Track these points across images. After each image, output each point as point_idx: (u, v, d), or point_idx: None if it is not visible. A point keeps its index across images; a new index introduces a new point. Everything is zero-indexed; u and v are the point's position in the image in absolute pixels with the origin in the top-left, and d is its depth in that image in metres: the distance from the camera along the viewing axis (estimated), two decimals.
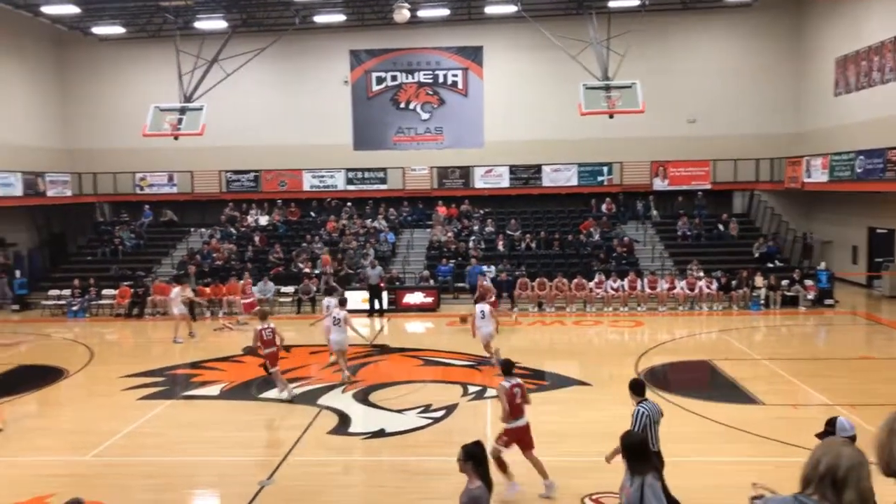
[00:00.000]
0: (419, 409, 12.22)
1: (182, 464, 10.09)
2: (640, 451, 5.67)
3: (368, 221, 27.34)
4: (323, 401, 12.91)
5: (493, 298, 18.22)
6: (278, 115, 29.26)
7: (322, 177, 28.80)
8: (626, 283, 22.42)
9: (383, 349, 17.50)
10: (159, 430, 11.58)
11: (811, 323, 20.40)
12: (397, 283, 23.47)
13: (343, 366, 14.32)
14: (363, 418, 12.13)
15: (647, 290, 22.31)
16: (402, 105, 29.44)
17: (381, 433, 11.21)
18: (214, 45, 23.75)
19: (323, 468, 9.84)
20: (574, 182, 28.00)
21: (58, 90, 30.05)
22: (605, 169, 27.95)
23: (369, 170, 28.67)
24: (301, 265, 24.41)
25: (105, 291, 23.37)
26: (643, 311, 21.82)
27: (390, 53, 29.33)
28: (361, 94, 29.49)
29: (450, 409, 12.31)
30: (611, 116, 21.95)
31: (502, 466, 8.58)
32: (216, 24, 26.21)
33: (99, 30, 28.19)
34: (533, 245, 25.50)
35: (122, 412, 12.55)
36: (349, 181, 28.70)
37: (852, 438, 5.16)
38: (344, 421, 11.83)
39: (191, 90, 22.72)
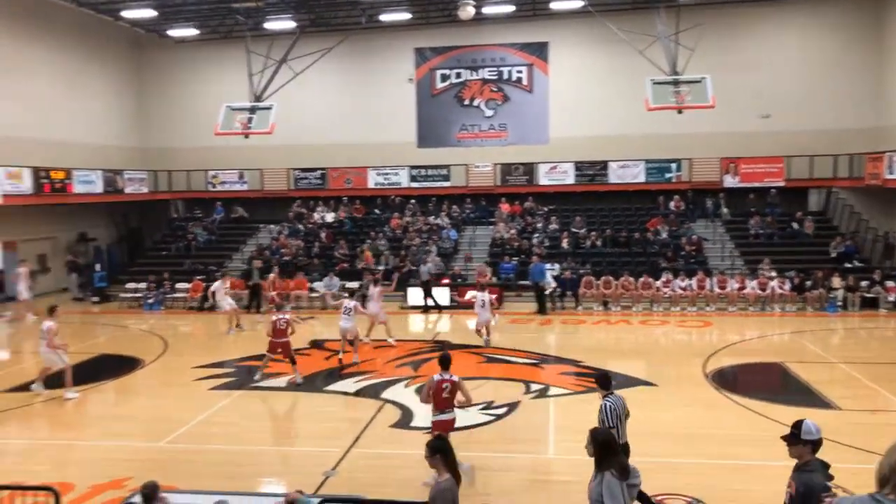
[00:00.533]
0: (481, 406, 12.21)
1: (250, 452, 10.36)
2: (606, 447, 5.72)
3: (431, 218, 27.48)
4: (386, 395, 13.05)
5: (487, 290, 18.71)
6: (344, 113, 29.69)
7: (386, 174, 29.10)
8: (694, 282, 21.90)
9: (444, 345, 17.56)
10: (229, 420, 11.92)
11: (893, 326, 19.50)
12: (459, 281, 23.51)
13: (355, 349, 15.55)
14: (425, 413, 12.17)
15: (717, 290, 21.73)
16: (466, 102, 29.47)
17: None
18: (283, 46, 24.26)
19: (385, 461, 9.96)
20: (641, 179, 27.49)
21: (136, 91, 31.25)
22: (674, 166, 27.33)
23: (433, 167, 28.81)
24: (363, 261, 24.73)
25: (179, 285, 24.19)
26: (712, 311, 21.29)
27: (455, 51, 29.39)
28: (425, 92, 29.65)
29: (512, 406, 12.28)
30: (679, 112, 21.47)
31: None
32: (285, 24, 26.78)
33: (174, 32, 29.16)
34: (598, 243, 25.16)
35: (194, 401, 12.98)
36: (413, 178, 28.91)
37: (818, 442, 5.01)
38: (407, 415, 11.93)
39: (261, 90, 23.27)
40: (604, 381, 8.10)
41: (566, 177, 27.98)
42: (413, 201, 28.42)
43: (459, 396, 9.30)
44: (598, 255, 24.48)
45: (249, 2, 24.91)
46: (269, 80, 23.48)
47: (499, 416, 11.77)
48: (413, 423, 11.58)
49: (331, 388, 13.80)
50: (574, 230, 25.91)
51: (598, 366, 14.76)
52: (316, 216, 28.63)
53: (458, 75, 29.49)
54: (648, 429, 10.76)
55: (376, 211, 28.77)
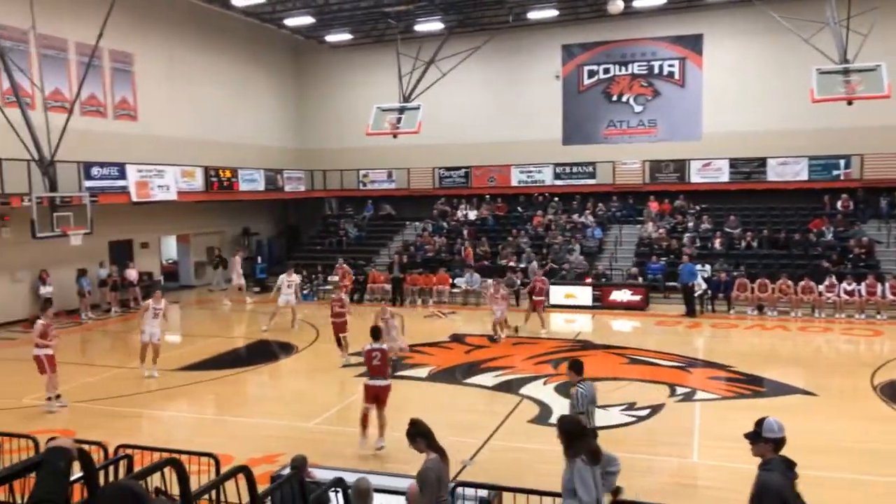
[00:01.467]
0: (623, 407, 11.91)
1: (389, 437, 10.67)
2: (574, 433, 5.71)
3: (575, 216, 27.09)
4: (525, 391, 13.02)
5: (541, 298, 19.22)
6: (489, 111, 29.93)
7: (530, 172, 29.01)
8: (863, 287, 20.11)
9: (586, 345, 17.27)
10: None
11: None
12: (603, 280, 23.01)
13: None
14: (564, 410, 12.03)
15: (890, 297, 19.85)
16: (615, 98, 28.79)
17: None
18: (431, 47, 24.83)
19: (523, 454, 9.93)
20: (804, 176, 25.59)
21: (295, 95, 33.16)
22: (842, 162, 25.21)
23: (578, 164, 28.38)
24: (506, 259, 24.80)
25: (331, 278, 25.38)
26: (883, 319, 19.48)
27: (603, 46, 28.79)
28: (572, 89, 29.27)
29: (655, 408, 11.86)
30: (849, 103, 19.72)
31: (364, 423, 10.11)
32: (434, 26, 27.40)
33: (330, 38, 30.65)
34: (754, 244, 23.73)
35: (340, 387, 13.61)
36: (557, 176, 28.62)
37: (779, 440, 4.87)
38: (545, 411, 11.84)
39: (409, 90, 23.95)
40: (576, 367, 8.40)
41: (720, 174, 26.59)
42: (557, 199, 28.14)
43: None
44: (754, 257, 23.08)
45: (401, 5, 25.74)
46: (418, 80, 24.10)
47: (641, 418, 11.41)
48: (552, 420, 11.46)
49: (470, 381, 13.96)
50: (728, 230, 24.59)
51: (752, 372, 13.98)
52: (459, 214, 29.06)
53: (607, 71, 28.87)
54: (804, 441, 10.01)
55: (519, 209, 28.76)
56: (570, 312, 21.64)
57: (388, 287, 24.04)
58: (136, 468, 5.99)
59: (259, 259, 28.16)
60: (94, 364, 15.94)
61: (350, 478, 6.66)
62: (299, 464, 6.26)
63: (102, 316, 21.97)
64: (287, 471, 6.54)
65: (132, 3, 21.94)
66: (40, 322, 12.75)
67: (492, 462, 9.54)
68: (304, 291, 24.94)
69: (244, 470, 4.20)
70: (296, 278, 20.51)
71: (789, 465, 4.74)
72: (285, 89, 32.68)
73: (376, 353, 10.28)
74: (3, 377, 15.23)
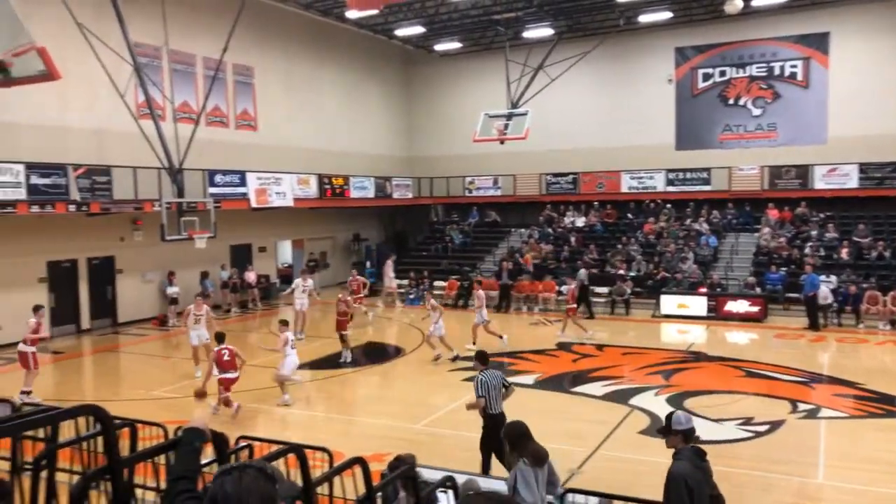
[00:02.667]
0: (739, 421, 11.39)
1: None
2: (516, 437, 6.04)
3: (689, 223, 26.18)
4: (634, 401, 12.68)
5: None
6: (598, 117, 29.46)
7: (641, 178, 28.29)
8: None
9: (699, 356, 16.65)
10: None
11: None
12: (718, 290, 22.10)
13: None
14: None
15: None
16: (731, 101, 27.67)
17: (695, 440, 10.67)
18: (540, 53, 24.73)
19: (633, 465, 9.67)
20: None
21: (404, 104, 33.84)
22: None
23: (692, 170, 27.42)
24: (616, 267, 24.29)
25: (436, 283, 25.69)
26: None
27: (719, 48, 27.75)
28: (686, 93, 28.37)
29: (775, 424, 11.26)
30: None
31: (228, 403, 12.06)
32: (543, 32, 27.28)
33: (440, 46, 31.09)
34: (886, 254, 22.15)
35: (447, 390, 13.71)
36: (669, 182, 27.77)
37: (688, 432, 5.21)
38: (656, 423, 11.46)
39: (517, 97, 23.95)
40: (481, 358, 9.42)
41: (848, 180, 25.00)
42: (669, 206, 27.31)
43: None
44: (886, 268, 21.54)
45: (510, 12, 25.81)
46: (526, 86, 24.07)
47: (759, 434, 10.87)
48: None
49: (577, 389, 13.74)
50: (856, 239, 23.07)
51: (885, 391, 13.03)
52: (566, 220, 28.72)
53: (723, 73, 27.81)
54: None
55: (629, 216, 28.11)
56: (682, 323, 20.94)
57: (494, 293, 24.02)
58: (256, 457, 6.25)
59: (368, 264, 28.88)
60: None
61: (458, 479, 6.69)
62: (409, 462, 6.33)
63: (223, 316, 23.11)
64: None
65: (254, 19, 23.07)
66: (33, 321, 13.48)
67: (601, 471, 9.34)
68: (411, 296, 25.37)
69: (360, 462, 4.30)
70: (310, 283, 20.04)
71: (700, 454, 5.10)
72: (395, 98, 33.41)
73: (225, 350, 12.28)
74: (136, 370, 16.30)
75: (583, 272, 22.97)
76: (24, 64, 8.57)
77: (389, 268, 25.69)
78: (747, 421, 11.39)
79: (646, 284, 23.45)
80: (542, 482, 5.87)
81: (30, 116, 18.02)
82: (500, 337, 17.56)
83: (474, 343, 17.17)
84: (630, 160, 28.47)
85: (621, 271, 23.83)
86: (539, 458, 5.84)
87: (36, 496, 2.71)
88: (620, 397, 12.99)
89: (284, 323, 13.80)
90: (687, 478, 4.86)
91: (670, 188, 27.73)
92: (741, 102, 27.52)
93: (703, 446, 10.35)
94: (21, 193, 16.67)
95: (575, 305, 19.37)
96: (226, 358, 12.28)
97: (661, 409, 12.17)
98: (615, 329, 20.44)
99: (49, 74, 8.61)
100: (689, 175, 27.43)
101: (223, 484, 1.89)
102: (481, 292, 18.60)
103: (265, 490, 1.87)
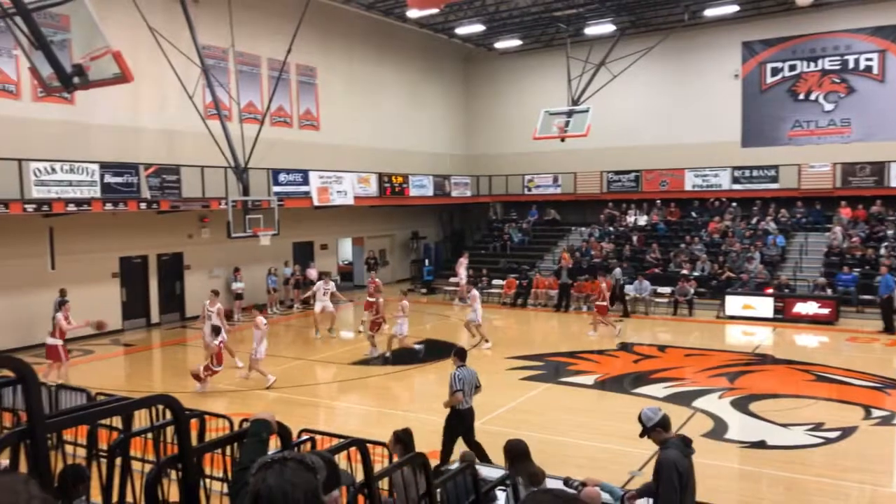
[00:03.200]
0: (808, 427, 11.02)
1: (557, 443, 10.60)
2: (514, 455, 6.44)
3: (755, 222, 25.45)
4: (698, 404, 12.41)
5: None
6: (661, 113, 28.90)
7: (705, 176, 27.62)
8: None
9: (766, 359, 16.18)
10: (537, 410, 12.33)
11: None
12: (786, 291, 21.42)
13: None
14: (741, 427, 11.36)
15: None
16: (801, 96, 26.75)
17: (761, 444, 10.39)
18: (602, 49, 24.41)
19: (695, 468, 9.44)
20: None
21: (463, 102, 33.88)
22: None
23: (759, 168, 26.63)
24: (679, 266, 23.80)
25: (495, 281, 25.65)
26: None
27: (789, 41, 26.87)
28: (753, 88, 27.56)
29: (847, 430, 10.86)
30: None
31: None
32: (605, 28, 26.91)
33: (500, 44, 31.00)
34: None
35: (505, 389, 13.67)
36: (735, 180, 27.03)
37: (662, 421, 5.35)
38: (720, 426, 11.22)
39: (578, 94, 23.68)
40: (459, 354, 9.66)
41: None
42: (734, 204, 26.60)
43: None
44: None
45: (572, 9, 25.54)
46: (587, 83, 23.78)
47: (830, 440, 10.50)
48: (727, 436, 10.86)
49: (638, 390, 13.52)
50: None
51: None
52: (628, 219, 28.28)
53: (792, 68, 26.91)
54: None
55: (693, 214, 27.49)
56: (748, 324, 20.38)
57: (553, 292, 23.87)
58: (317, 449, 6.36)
59: (426, 262, 29.04)
60: (278, 355, 17.14)
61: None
62: (469, 459, 6.36)
63: (286, 312, 23.59)
64: (455, 465, 6.67)
65: (317, 20, 23.43)
66: (60, 315, 13.87)
67: None
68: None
69: (421, 457, 4.33)
70: (332, 286, 19.81)
71: (686, 441, 5.33)
72: (454, 97, 33.48)
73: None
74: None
75: (618, 271, 22.80)
76: (100, 67, 8.96)
77: (462, 266, 25.45)
78: (817, 426, 11.02)
79: (710, 285, 22.92)
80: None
81: (104, 118, 18.75)
82: (486, 341, 17.60)
83: (486, 340, 17.53)
84: (694, 158, 27.84)
85: (684, 271, 23.34)
86: (536, 480, 6.05)
87: (111, 482, 2.82)
88: (683, 399, 12.73)
89: (260, 308, 15.07)
90: (677, 464, 5.11)
91: (736, 186, 26.99)
92: (812, 97, 26.58)
93: (770, 451, 10.14)
94: (96, 192, 17.36)
95: (606, 303, 19.26)
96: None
97: (726, 412, 11.90)
98: (678, 330, 20.06)
99: (123, 77, 8.99)
100: (755, 173, 26.64)
101: (265, 477, 1.86)
102: (475, 292, 18.80)
103: (308, 482, 1.86)
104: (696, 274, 23.26)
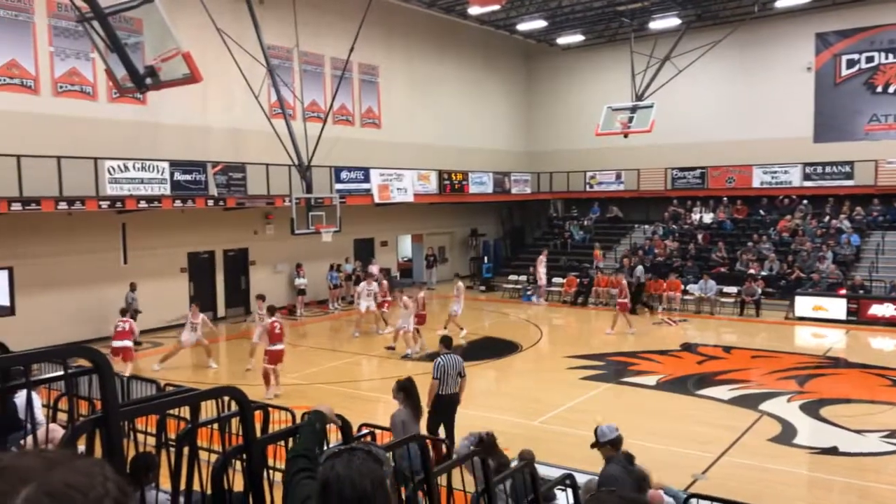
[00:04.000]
0: (884, 434, 10.57)
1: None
2: (405, 390, 7.82)
3: (827, 220, 24.53)
4: (765, 407, 12.05)
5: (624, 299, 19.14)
6: (727, 108, 28.11)
7: (774, 172, 26.74)
8: None
9: (838, 362, 15.59)
10: (598, 409, 12.15)
11: None
12: (861, 292, 20.58)
13: None
14: (811, 432, 10.97)
15: None
16: (879, 89, 25.61)
17: (833, 451, 10.01)
18: (666, 44, 23.91)
19: (762, 474, 9.19)
20: None
21: (524, 99, 33.67)
22: None
23: (832, 164, 25.64)
24: (745, 266, 23.14)
25: (555, 279, 25.42)
26: None
27: (866, 32, 25.75)
28: (827, 81, 26.54)
29: None
30: None
31: (267, 380, 12.98)
32: (670, 22, 26.34)
33: (562, 40, 30.67)
34: None
35: (565, 388, 13.55)
36: (806, 177, 26.09)
37: (615, 440, 5.99)
38: (788, 431, 10.86)
39: (642, 89, 23.27)
40: (446, 342, 10.17)
41: None
42: (805, 202, 25.69)
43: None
44: None
45: (636, 3, 25.09)
46: (651, 78, 23.35)
47: None
48: (796, 441, 10.50)
49: (702, 392, 13.21)
50: None
51: None
52: (693, 217, 27.63)
53: (870, 59, 25.79)
54: None
55: (761, 212, 26.67)
56: (818, 326, 19.68)
57: (614, 291, 23.49)
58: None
59: (485, 259, 28.99)
60: (339, 350, 17.42)
61: (581, 478, 6.60)
62: (528, 458, 6.32)
63: (347, 307, 23.91)
64: (514, 463, 6.63)
65: (379, 19, 23.65)
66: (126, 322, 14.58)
67: (727, 478, 8.94)
68: (528, 292, 25.24)
69: (479, 454, 4.33)
70: (375, 287, 19.59)
71: (629, 459, 5.86)
72: (515, 93, 33.31)
73: (277, 323, 13.29)
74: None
75: (640, 269, 22.62)
76: (170, 68, 9.24)
77: (542, 264, 24.93)
78: (893, 433, 10.56)
79: (778, 285, 22.22)
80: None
81: (174, 117, 19.35)
82: (461, 329, 18.24)
83: (461, 328, 18.18)
84: (762, 153, 26.98)
85: (752, 270, 22.68)
86: (420, 413, 7.59)
87: (179, 470, 2.90)
88: (749, 402, 12.39)
89: (261, 298, 16.16)
90: (617, 479, 5.60)
91: (807, 183, 26.05)
92: (891, 90, 25.42)
93: (842, 458, 9.82)
94: (166, 189, 17.94)
95: (627, 300, 19.35)
96: (277, 330, 13.20)
97: (795, 416, 11.53)
98: (744, 331, 19.51)
99: (192, 77, 9.25)
100: (828, 169, 25.65)
101: (334, 466, 1.90)
102: (461, 284, 18.95)
103: (375, 472, 1.89)
104: (763, 273, 22.58)
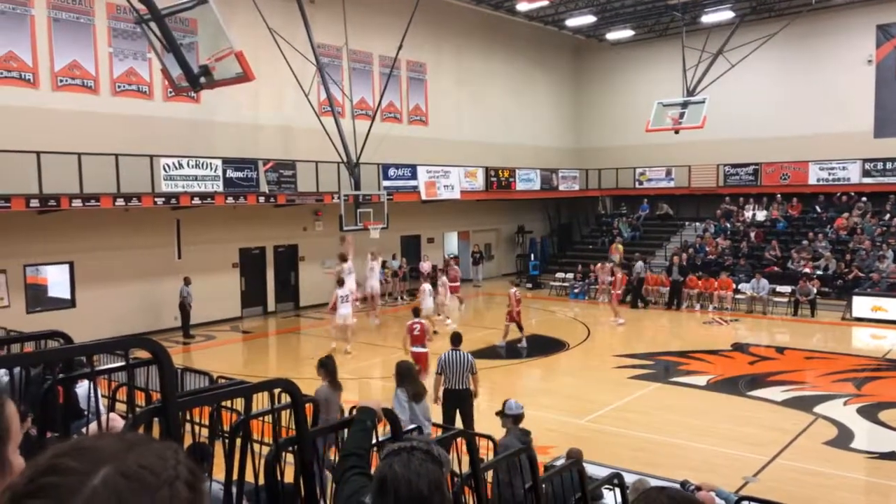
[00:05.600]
0: None
1: (666, 444, 10.31)
2: (403, 374, 8.19)
3: (888, 218, 23.71)
4: (820, 409, 11.74)
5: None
6: (782, 103, 27.37)
7: (832, 169, 25.95)
8: None
9: None
10: (646, 409, 12.02)
11: None
12: None
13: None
14: (869, 436, 10.65)
15: None
16: None
17: (892, 456, 9.71)
18: (719, 38, 23.40)
19: (817, 478, 8.96)
20: None
21: (572, 95, 33.36)
22: None
23: (893, 159, 24.76)
24: (799, 265, 22.54)
25: (602, 278, 25.11)
26: None
27: None
28: (888, 74, 25.62)
29: None
30: None
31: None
32: (723, 15, 25.78)
33: (611, 35, 30.31)
34: None
35: (613, 387, 13.42)
36: (866, 173, 25.23)
37: (517, 416, 6.89)
38: (845, 435, 10.56)
39: (693, 84, 22.82)
40: (453, 338, 10.19)
41: None
42: (865, 199, 24.87)
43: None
44: None
45: None
46: (703, 73, 22.87)
47: None
48: (853, 445, 10.20)
49: (754, 393, 12.93)
50: None
51: None
52: (746, 214, 27.02)
53: None
54: None
55: (817, 209, 25.93)
56: (877, 327, 19.06)
57: (664, 290, 23.16)
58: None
59: (532, 257, 28.85)
60: (384, 345, 17.55)
61: (628, 478, 6.54)
62: (576, 456, 6.30)
63: (392, 303, 24.08)
64: (561, 462, 6.61)
65: (427, 16, 23.68)
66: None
67: (780, 482, 8.74)
68: (576, 290, 25.04)
69: (527, 451, 4.33)
70: (427, 287, 19.65)
71: (525, 433, 6.63)
72: (563, 89, 33.03)
73: (416, 324, 12.61)
74: (313, 351, 17.38)
75: (640, 265, 22.84)
76: (224, 67, 9.43)
77: (604, 271, 24.76)
78: None
79: (835, 284, 21.59)
80: (421, 412, 7.90)
81: (227, 116, 19.75)
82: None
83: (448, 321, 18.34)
84: (819, 149, 26.20)
85: (807, 270, 22.09)
86: (417, 397, 7.94)
87: (232, 461, 2.98)
88: (803, 404, 12.08)
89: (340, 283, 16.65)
90: (509, 448, 6.16)
91: (866, 179, 25.20)
92: None
93: None
94: (218, 186, 18.33)
95: (619, 292, 20.32)
96: (416, 332, 12.67)
97: (852, 420, 11.20)
98: (798, 331, 19.01)
99: (245, 76, 9.43)
100: (889, 165, 24.75)
101: (392, 464, 1.90)
102: (426, 286, 18.89)
103: (433, 473, 1.88)
104: (819, 273, 21.97)
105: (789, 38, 25.47)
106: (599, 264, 24.25)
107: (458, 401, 9.70)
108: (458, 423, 9.50)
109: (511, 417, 6.92)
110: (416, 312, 13.39)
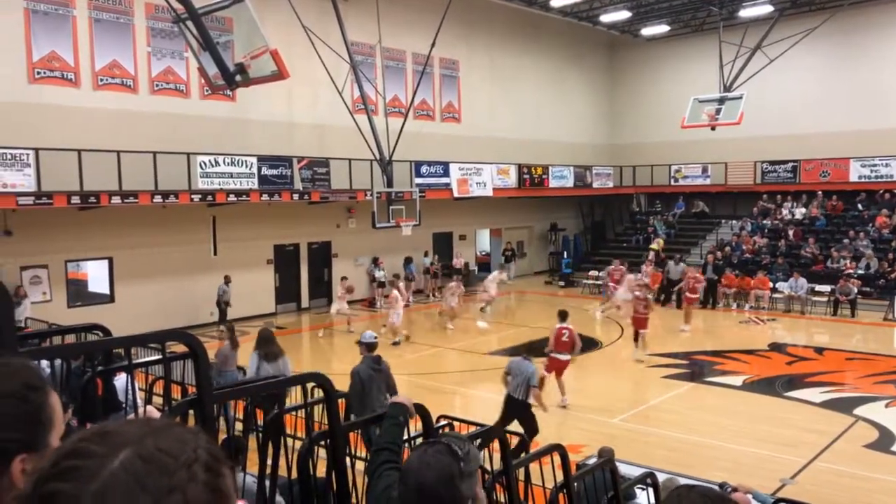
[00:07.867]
0: None
1: (700, 444, 10.19)
2: (262, 339, 9.17)
3: None
4: (860, 411, 11.48)
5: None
6: (822, 99, 26.80)
7: (874, 166, 25.33)
8: None
9: None
10: (679, 409, 11.88)
11: None
12: None
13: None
14: None
15: None
16: None
17: None
18: (757, 32, 22.98)
19: (857, 482, 8.77)
20: None
21: (606, 91, 33.06)
22: None
23: None
24: (840, 263, 22.06)
25: (632, 276, 24.82)
26: None
27: None
28: None
29: None
30: None
31: (541, 386, 10.88)
32: (761, 9, 25.32)
33: (647, 31, 29.96)
34: None
35: (646, 386, 13.30)
36: None
37: (370, 344, 8.34)
38: (886, 437, 10.32)
39: (730, 80, 22.46)
40: (527, 350, 10.71)
41: None
42: None
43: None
44: None
45: None
46: (741, 68, 22.49)
47: None
48: (894, 448, 9.97)
49: (791, 394, 12.70)
50: None
51: None
52: (784, 212, 26.52)
53: None
54: None
55: (859, 207, 25.33)
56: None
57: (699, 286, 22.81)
58: None
59: (565, 254, 28.67)
60: (415, 343, 17.59)
61: (659, 477, 6.47)
62: (608, 455, 6.25)
63: (423, 300, 24.13)
64: (593, 461, 6.56)
65: (460, 13, 23.66)
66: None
67: (819, 484, 8.58)
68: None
69: (559, 448, 4.30)
70: (453, 286, 19.72)
71: (377, 361, 8.03)
72: (597, 85, 32.75)
73: (565, 330, 11.96)
74: (346, 347, 17.51)
75: (682, 266, 22.61)
76: (259, 66, 9.54)
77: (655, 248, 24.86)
78: None
79: (876, 284, 21.09)
80: (276, 371, 8.46)
81: (262, 114, 19.96)
82: (396, 336, 17.34)
83: (396, 336, 17.32)
84: (860, 146, 25.59)
85: (848, 269, 21.61)
86: (269, 357, 8.82)
87: (265, 454, 3.01)
88: (843, 406, 11.83)
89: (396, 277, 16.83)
90: (360, 373, 7.85)
91: None
92: None
93: None
94: (254, 183, 18.55)
95: (696, 296, 20.19)
96: (564, 339, 11.89)
97: (894, 422, 10.92)
98: (838, 331, 18.63)
99: (280, 74, 9.52)
100: None
101: (411, 457, 1.99)
102: (396, 293, 18.16)
103: (446, 466, 1.91)
104: (860, 272, 21.48)
105: (830, 33, 24.87)
106: (612, 266, 23.11)
107: (515, 409, 9.58)
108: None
109: (364, 345, 8.30)
110: (563, 316, 12.14)
